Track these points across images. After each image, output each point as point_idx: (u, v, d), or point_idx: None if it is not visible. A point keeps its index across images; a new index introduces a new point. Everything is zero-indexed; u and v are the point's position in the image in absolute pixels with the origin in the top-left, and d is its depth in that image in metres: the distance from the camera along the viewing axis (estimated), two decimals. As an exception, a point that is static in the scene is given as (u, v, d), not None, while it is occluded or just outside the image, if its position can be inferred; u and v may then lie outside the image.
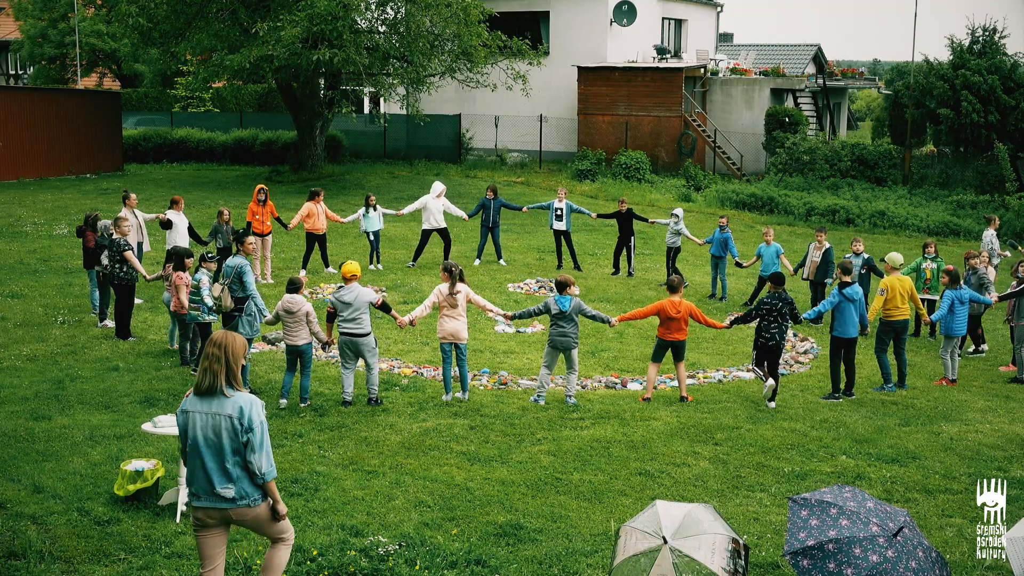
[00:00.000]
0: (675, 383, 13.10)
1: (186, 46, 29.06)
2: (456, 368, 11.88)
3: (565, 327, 11.65)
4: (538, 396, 11.87)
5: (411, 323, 11.74)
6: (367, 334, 11.33)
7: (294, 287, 11.41)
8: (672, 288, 12.08)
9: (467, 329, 11.78)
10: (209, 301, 12.03)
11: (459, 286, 11.57)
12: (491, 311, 12.01)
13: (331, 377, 12.70)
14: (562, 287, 11.73)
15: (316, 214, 18.47)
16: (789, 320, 12.19)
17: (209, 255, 12.42)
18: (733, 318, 12.84)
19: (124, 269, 13.89)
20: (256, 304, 11.95)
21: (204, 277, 12.15)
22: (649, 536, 6.13)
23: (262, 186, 18.31)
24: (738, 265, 18.64)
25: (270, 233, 18.23)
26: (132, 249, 14.14)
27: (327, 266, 19.00)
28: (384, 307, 11.55)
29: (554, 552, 7.89)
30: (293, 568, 7.44)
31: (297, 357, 11.51)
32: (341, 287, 11.29)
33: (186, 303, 12.44)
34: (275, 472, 6.14)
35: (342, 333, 11.30)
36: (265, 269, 18.16)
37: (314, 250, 18.87)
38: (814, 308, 13.52)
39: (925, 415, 11.95)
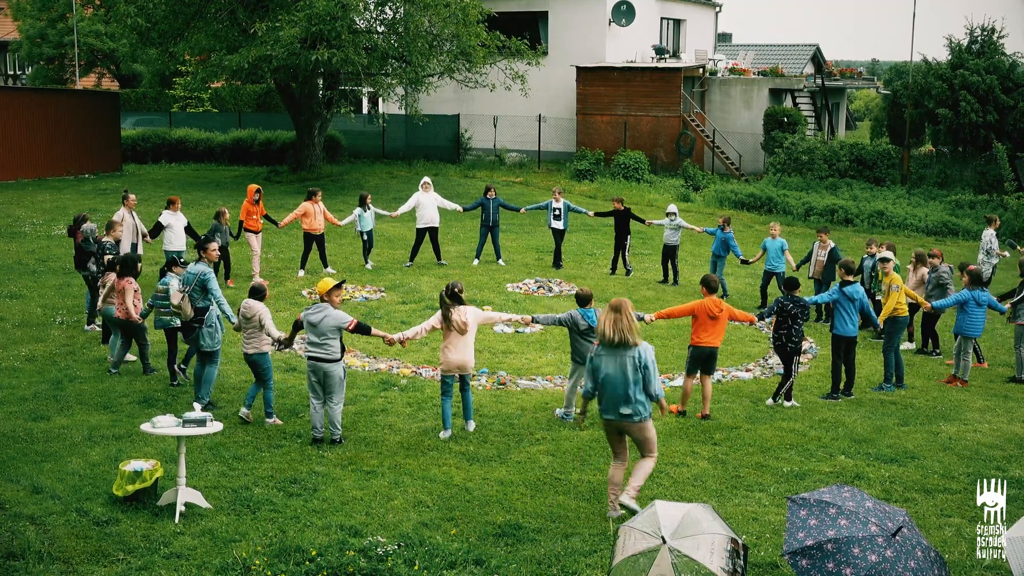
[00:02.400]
0: (675, 383, 13.10)
1: (185, 46, 29.05)
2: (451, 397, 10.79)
3: (594, 341, 10.98)
4: (565, 414, 11.18)
5: (401, 343, 10.54)
6: (334, 361, 10.11)
7: (257, 294, 10.78)
8: (710, 287, 11.49)
9: (474, 357, 10.78)
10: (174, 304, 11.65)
11: (463, 312, 10.36)
12: (510, 319, 11.41)
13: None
14: (586, 301, 10.98)
15: (313, 214, 18.47)
16: (801, 322, 12.09)
17: (180, 260, 11.99)
18: (757, 314, 12.97)
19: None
20: (223, 310, 11.39)
21: (174, 281, 11.74)
22: (648, 536, 6.13)
23: (259, 187, 18.38)
24: (744, 262, 18.73)
25: (262, 231, 18.40)
26: (110, 254, 13.62)
27: (326, 266, 19.00)
28: (360, 329, 10.21)
29: (553, 552, 7.90)
30: (292, 568, 7.44)
31: (252, 367, 10.87)
32: (314, 305, 10.26)
33: (134, 308, 12.04)
34: (663, 392, 8.65)
35: (308, 357, 10.27)
36: (256, 266, 18.34)
37: (312, 250, 18.87)
38: (811, 297, 13.44)
39: (924, 415, 11.96)
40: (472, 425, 10.79)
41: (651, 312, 11.96)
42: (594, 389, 8.57)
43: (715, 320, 11.41)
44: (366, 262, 19.59)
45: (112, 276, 12.63)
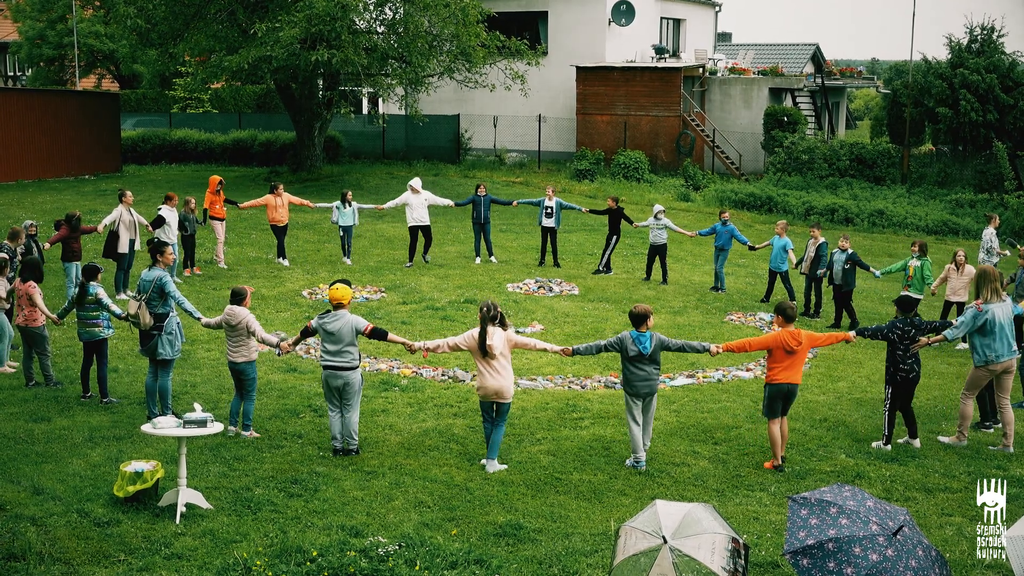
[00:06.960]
0: (675, 383, 13.11)
1: (184, 47, 29.05)
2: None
3: (647, 369, 9.68)
4: (635, 462, 9.89)
5: (424, 353, 9.95)
6: (353, 368, 9.79)
7: (237, 298, 10.29)
8: (787, 316, 9.85)
9: (513, 385, 9.81)
10: (117, 310, 11.21)
11: (492, 335, 9.55)
12: (547, 349, 10.12)
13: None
14: (640, 320, 9.63)
15: (275, 206, 19.25)
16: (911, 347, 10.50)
17: (100, 269, 11.41)
18: (858, 329, 11.07)
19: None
20: (186, 309, 10.93)
21: (101, 289, 11.27)
22: (649, 536, 6.13)
23: (221, 179, 19.27)
24: (751, 248, 19.04)
25: (225, 218, 19.37)
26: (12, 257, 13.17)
27: (279, 256, 19.56)
28: (377, 333, 9.84)
29: (554, 552, 7.90)
30: (293, 569, 7.44)
31: (237, 377, 10.48)
32: (328, 312, 9.85)
33: (45, 312, 11.70)
34: None
35: (324, 366, 9.84)
36: (220, 252, 19.19)
37: (283, 240, 19.67)
38: (952, 331, 10.85)
39: (924, 414, 11.94)
40: (491, 467, 9.72)
41: (717, 343, 10.31)
42: (976, 334, 10.42)
43: (792, 355, 9.80)
44: (344, 255, 19.87)
45: None
